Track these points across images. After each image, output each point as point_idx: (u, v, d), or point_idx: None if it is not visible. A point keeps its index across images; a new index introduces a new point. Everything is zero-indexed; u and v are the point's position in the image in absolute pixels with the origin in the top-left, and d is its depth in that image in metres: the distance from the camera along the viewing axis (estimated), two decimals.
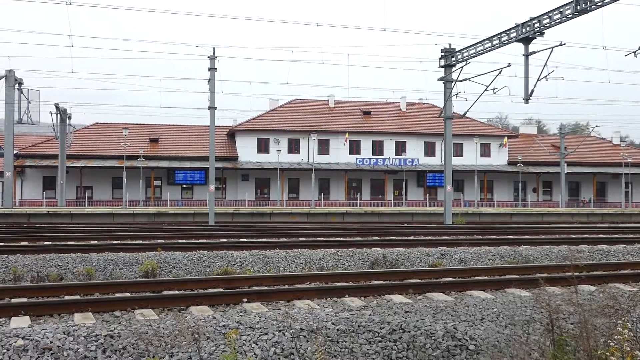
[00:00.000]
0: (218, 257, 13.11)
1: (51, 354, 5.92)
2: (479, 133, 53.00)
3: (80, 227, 22.36)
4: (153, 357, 5.95)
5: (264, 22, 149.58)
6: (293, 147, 52.07)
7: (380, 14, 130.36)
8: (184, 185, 50.56)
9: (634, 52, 21.72)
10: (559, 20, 22.49)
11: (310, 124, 52.31)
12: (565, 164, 51.55)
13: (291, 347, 6.40)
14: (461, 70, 28.10)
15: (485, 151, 54.71)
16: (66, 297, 8.74)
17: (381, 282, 10.32)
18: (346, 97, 59.74)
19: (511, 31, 24.65)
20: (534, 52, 23.77)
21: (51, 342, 6.04)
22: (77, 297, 8.80)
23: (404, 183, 50.66)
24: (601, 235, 20.33)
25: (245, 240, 17.00)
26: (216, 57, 29.43)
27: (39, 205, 40.89)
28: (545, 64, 23.07)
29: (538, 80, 23.55)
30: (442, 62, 29.14)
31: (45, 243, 15.75)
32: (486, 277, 10.89)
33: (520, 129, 64.37)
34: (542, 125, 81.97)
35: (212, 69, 29.35)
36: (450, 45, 28.70)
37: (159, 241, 16.21)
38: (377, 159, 52.76)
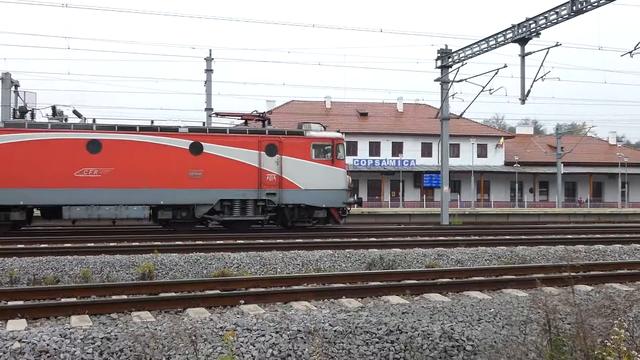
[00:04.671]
0: (215, 258, 13.08)
1: (48, 357, 5.91)
2: (475, 134, 53.06)
3: (77, 229, 22.30)
4: (150, 359, 5.94)
5: (261, 24, 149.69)
6: None
7: (377, 15, 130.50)
8: None
9: (630, 52, 21.77)
10: (555, 20, 22.55)
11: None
12: (562, 164, 51.65)
13: (288, 349, 6.40)
14: (458, 71, 28.13)
15: (482, 152, 54.80)
16: (63, 300, 8.71)
17: (378, 283, 10.31)
18: (343, 98, 59.78)
19: (507, 32, 24.69)
20: (530, 53, 23.83)
21: (48, 345, 6.03)
22: (74, 299, 8.77)
23: (401, 184, 50.69)
24: (598, 235, 20.35)
25: (242, 241, 16.98)
26: (213, 59, 29.47)
27: None
28: (542, 64, 23.14)
29: (534, 80, 23.61)
30: (439, 62, 29.16)
31: (42, 245, 15.70)
32: (483, 278, 10.90)
33: (516, 130, 64.52)
34: (538, 126, 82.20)
35: (209, 71, 29.39)
36: (446, 46, 28.73)
37: (155, 243, 16.17)
38: (373, 160, 52.78)
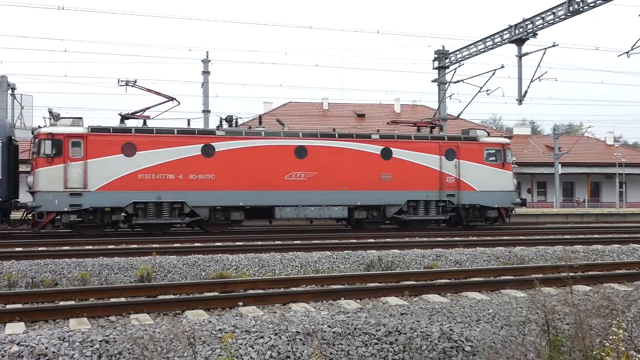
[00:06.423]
0: (213, 260, 13.07)
1: None
2: None
3: (75, 231, 22.26)
4: None
5: (258, 25, 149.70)
6: None
7: (374, 17, 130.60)
8: None
9: (627, 52, 21.82)
10: (552, 21, 22.61)
11: (304, 126, 52.22)
12: (560, 165, 51.68)
13: (287, 351, 6.40)
14: (455, 72, 28.18)
15: None
16: (61, 303, 8.70)
17: (377, 284, 10.31)
18: (340, 99, 59.97)
19: (504, 32, 24.75)
20: (527, 53, 23.89)
21: (46, 348, 6.02)
22: (72, 302, 8.76)
23: None
24: (596, 236, 20.35)
25: (240, 243, 16.97)
26: (210, 61, 29.49)
27: None
28: (539, 65, 23.23)
29: (531, 81, 23.70)
30: (436, 63, 29.22)
31: (40, 248, 15.66)
32: (482, 278, 10.90)
33: (514, 130, 64.48)
34: (535, 126, 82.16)
35: (206, 73, 29.38)
36: (443, 47, 28.79)
37: (154, 245, 16.15)
38: None
